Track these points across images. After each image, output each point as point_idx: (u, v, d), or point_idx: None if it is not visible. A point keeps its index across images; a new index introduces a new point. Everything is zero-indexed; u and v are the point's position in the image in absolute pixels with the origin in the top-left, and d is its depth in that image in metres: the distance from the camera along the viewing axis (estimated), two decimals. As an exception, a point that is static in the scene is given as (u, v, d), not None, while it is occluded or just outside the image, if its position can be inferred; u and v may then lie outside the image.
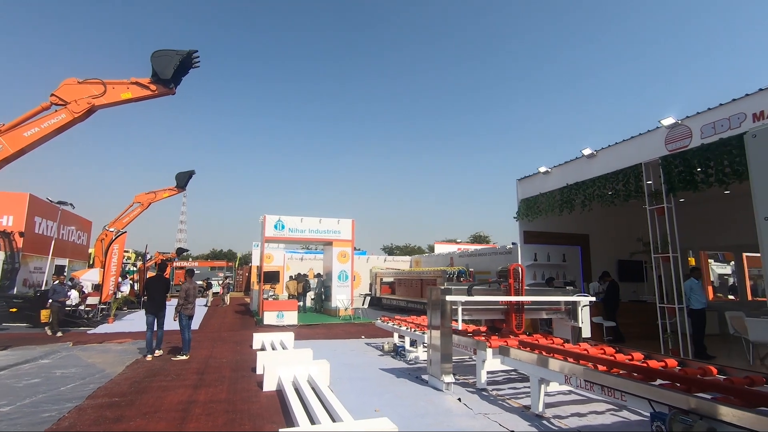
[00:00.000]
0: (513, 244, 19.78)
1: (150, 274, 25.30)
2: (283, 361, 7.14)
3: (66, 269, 21.83)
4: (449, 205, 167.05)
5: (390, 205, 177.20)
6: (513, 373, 7.34)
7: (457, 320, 6.35)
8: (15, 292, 16.69)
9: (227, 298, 26.51)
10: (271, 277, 19.93)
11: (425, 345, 8.56)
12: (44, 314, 12.92)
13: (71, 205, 20.02)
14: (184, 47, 12.68)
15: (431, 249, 63.84)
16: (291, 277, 19.91)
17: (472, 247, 24.70)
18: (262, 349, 9.55)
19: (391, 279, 24.21)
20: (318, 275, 21.15)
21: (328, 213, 19.34)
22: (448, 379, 6.22)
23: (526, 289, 6.84)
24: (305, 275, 21.04)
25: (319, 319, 16.57)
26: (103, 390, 6.12)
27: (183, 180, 22.23)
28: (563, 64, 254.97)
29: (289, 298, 17.77)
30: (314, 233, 18.47)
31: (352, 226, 18.99)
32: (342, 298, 17.63)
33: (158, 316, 8.98)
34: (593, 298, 7.05)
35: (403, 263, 28.06)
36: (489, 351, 6.19)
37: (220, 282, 33.92)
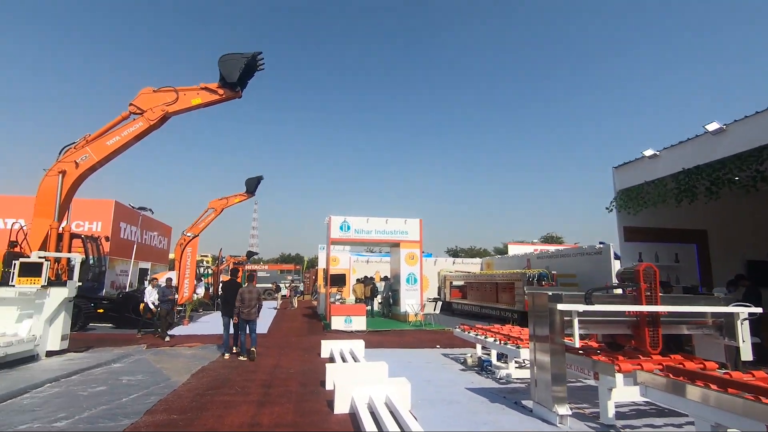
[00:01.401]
0: (601, 243, 17.50)
1: (224, 277, 26.13)
2: (355, 378, 6.20)
3: (148, 272, 23.05)
4: (513, 206, 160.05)
5: (449, 207, 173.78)
6: (644, 404, 5.77)
7: (572, 335, 4.99)
8: (104, 294, 17.68)
9: (295, 301, 26.61)
10: (338, 280, 19.40)
11: (518, 361, 7.24)
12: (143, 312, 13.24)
13: (150, 210, 21.02)
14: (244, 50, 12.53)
15: (499, 251, 60.89)
16: (358, 280, 19.25)
17: (552, 248, 22.48)
18: (331, 359, 8.76)
19: (461, 282, 22.74)
20: (385, 278, 20.29)
21: (386, 215, 18.65)
22: (563, 410, 4.88)
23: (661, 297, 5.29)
24: (372, 278, 20.29)
25: (388, 325, 15.64)
26: (163, 404, 5.56)
27: (252, 185, 22.64)
28: (639, 58, 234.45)
29: (356, 301, 17.10)
30: (380, 234, 17.63)
31: (419, 227, 17.90)
32: (411, 303, 16.56)
33: (249, 321, 9.16)
34: (759, 310, 5.30)
35: (473, 266, 26.41)
36: (619, 377, 4.75)
37: (288, 285, 34.43)
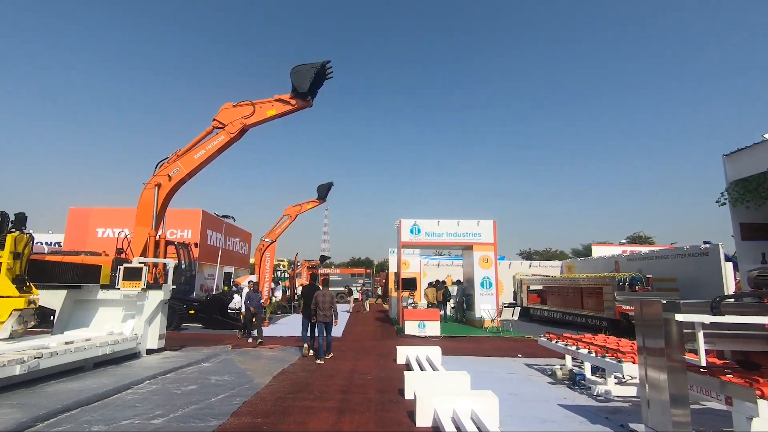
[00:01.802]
0: (707, 243, 15.43)
1: (300, 281, 27.16)
2: (436, 388, 5.87)
3: (232, 276, 24.63)
4: (592, 205, 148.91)
5: (519, 208, 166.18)
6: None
7: (694, 351, 4.23)
8: (194, 296, 19.13)
9: (367, 305, 26.84)
10: (409, 284, 19.17)
11: (618, 376, 6.43)
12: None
13: (232, 218, 22.43)
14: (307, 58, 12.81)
15: (578, 253, 56.76)
16: (429, 283, 18.86)
17: (644, 249, 20.34)
18: (408, 366, 8.50)
19: (539, 287, 21.39)
20: (458, 282, 19.68)
21: (450, 217, 17.99)
22: (686, 439, 4.13)
23: (812, 306, 4.31)
24: (443, 282, 19.78)
25: (462, 331, 15.07)
26: (247, 406, 5.66)
27: (323, 192, 23.34)
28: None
29: (428, 306, 16.71)
30: (452, 236, 17.11)
31: (493, 228, 17.09)
32: (487, 308, 15.82)
33: (326, 324, 9.43)
34: None
35: (551, 269, 24.78)
36: (763, 404, 3.92)
37: (359, 289, 34.93)
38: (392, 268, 27.34)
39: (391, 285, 26.02)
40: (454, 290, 19.35)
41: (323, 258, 36.44)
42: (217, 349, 10.54)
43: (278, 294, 24.56)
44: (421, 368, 7.46)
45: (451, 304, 19.42)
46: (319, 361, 9.16)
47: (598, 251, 24.81)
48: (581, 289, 17.18)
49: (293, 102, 13.24)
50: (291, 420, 5.17)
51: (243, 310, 12.98)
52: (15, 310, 6.77)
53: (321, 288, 10.25)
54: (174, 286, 10.79)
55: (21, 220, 7.34)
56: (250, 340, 12.17)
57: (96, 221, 22.68)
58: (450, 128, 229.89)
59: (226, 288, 19.43)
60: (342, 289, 29.53)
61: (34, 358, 6.06)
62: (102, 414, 5.11)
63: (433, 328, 13.79)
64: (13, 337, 6.81)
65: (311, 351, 9.96)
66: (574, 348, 7.46)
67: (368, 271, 48.17)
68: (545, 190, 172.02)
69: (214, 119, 14.30)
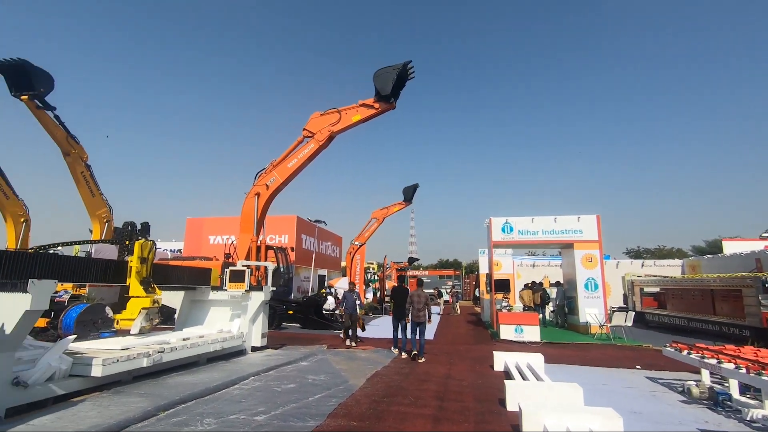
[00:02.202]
0: None
1: (389, 283, 27.44)
2: (544, 401, 5.29)
3: (325, 278, 25.72)
4: (711, 197, 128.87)
5: (621, 203, 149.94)
6: None
7: None
8: (292, 297, 20.29)
9: (458, 307, 26.16)
10: (502, 286, 18.19)
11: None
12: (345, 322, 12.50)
13: (324, 222, 23.37)
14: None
15: (701, 251, 49.29)
16: (525, 285, 17.68)
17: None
18: (507, 373, 7.90)
19: (655, 289, 18.88)
20: (557, 284, 18.18)
21: (543, 214, 16.44)
22: None
23: None
24: (540, 284, 18.41)
25: (564, 337, 13.79)
26: (343, 408, 5.63)
27: (409, 193, 23.31)
28: None
29: (524, 309, 15.64)
30: (549, 234, 15.82)
31: (597, 223, 15.44)
32: (594, 312, 14.29)
33: (419, 324, 9.67)
34: None
35: (670, 269, 21.78)
36: None
37: (449, 291, 34.27)
38: (483, 270, 26.32)
39: (482, 287, 25.03)
40: (552, 292, 17.91)
41: (411, 260, 36.46)
42: (314, 348, 10.90)
43: (369, 296, 25.05)
44: (523, 377, 6.84)
45: (549, 307, 18.00)
46: (418, 360, 9.48)
47: (730, 247, 21.16)
48: (711, 291, 14.72)
49: (377, 105, 13.36)
50: (386, 425, 5.00)
51: (342, 311, 13.07)
52: (143, 308, 7.62)
53: (407, 289, 10.24)
54: (274, 288, 11.43)
55: (145, 229, 8.29)
56: (352, 343, 11.77)
57: (209, 229, 25.30)
58: (541, 124, 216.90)
59: (323, 291, 20.27)
60: (431, 291, 29.18)
61: (158, 352, 6.74)
62: (213, 407, 5.45)
63: (532, 333, 12.80)
64: (141, 332, 7.67)
65: (403, 353, 10.12)
66: (713, 362, 6.26)
67: (457, 272, 47.17)
68: (652, 183, 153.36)
69: (304, 128, 14.99)
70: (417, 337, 9.77)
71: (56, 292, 14.65)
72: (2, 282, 4.82)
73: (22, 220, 15.76)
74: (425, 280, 39.81)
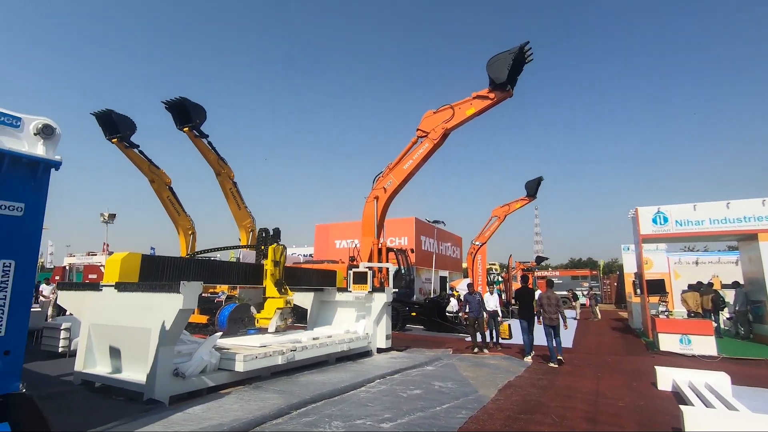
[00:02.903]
0: None
1: (515, 285, 25.74)
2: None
3: (447, 280, 25.23)
4: None
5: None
6: None
7: None
8: (415, 299, 20.27)
9: (597, 311, 23.20)
10: (656, 287, 15.40)
11: None
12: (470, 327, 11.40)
13: (443, 223, 22.93)
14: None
15: None
16: (690, 286, 14.67)
17: None
18: (677, 395, 6.42)
19: None
20: (734, 285, 14.72)
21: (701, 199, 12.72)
22: None
23: None
24: (710, 284, 15.14)
25: (752, 352, 10.95)
26: (474, 422, 5.09)
27: (532, 188, 21.54)
28: None
29: (689, 315, 12.94)
30: (719, 224, 12.85)
31: (792, 207, 12.02)
32: (795, 321, 11.10)
33: (552, 326, 9.22)
34: None
35: None
36: None
37: (585, 293, 30.73)
38: (628, 269, 22.97)
39: (628, 288, 21.79)
40: (727, 295, 14.55)
41: (540, 259, 33.77)
42: (439, 352, 10.50)
43: (495, 298, 23.73)
44: (705, 403, 5.41)
45: (725, 314, 14.69)
46: (552, 365, 9.02)
47: None
48: None
49: (492, 96, 12.57)
50: (527, 449, 4.32)
51: (465, 315, 12.28)
52: (277, 308, 8.16)
53: (534, 290, 9.40)
54: (396, 290, 11.39)
55: (277, 234, 8.91)
56: (484, 350, 10.72)
57: (335, 234, 26.94)
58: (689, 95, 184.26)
59: (456, 294, 19.89)
60: (565, 293, 26.45)
61: (291, 350, 7.08)
62: (340, 409, 5.41)
63: (705, 345, 10.44)
64: (277, 331, 8.22)
65: (552, 364, 9.25)
66: None
67: (594, 272, 42.20)
68: None
69: (417, 128, 14.86)
70: (552, 341, 9.28)
71: (215, 293, 17.00)
72: (162, 284, 5.48)
73: (190, 232, 18.65)
74: (557, 281, 36.48)
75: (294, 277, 9.45)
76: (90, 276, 18.68)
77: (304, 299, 10.78)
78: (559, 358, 9.17)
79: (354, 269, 10.47)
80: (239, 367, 6.10)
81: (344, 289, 10.54)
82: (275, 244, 8.60)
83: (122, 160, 16.59)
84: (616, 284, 36.15)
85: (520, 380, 7.58)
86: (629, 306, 20.13)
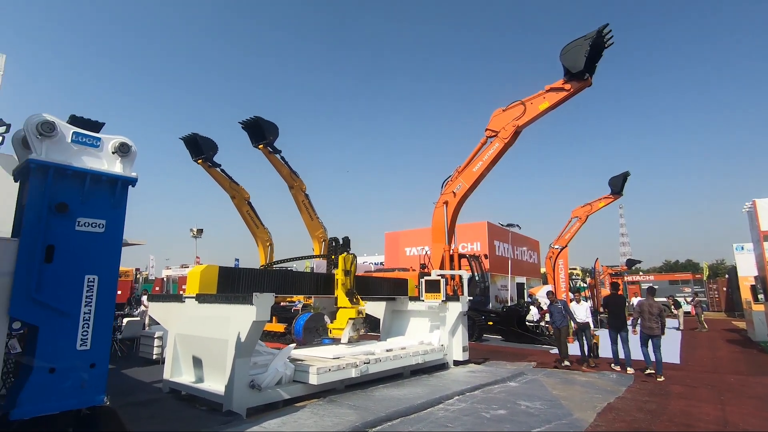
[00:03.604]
0: None
1: (603, 291, 23.56)
2: None
3: (524, 286, 23.77)
4: None
5: None
6: None
7: None
8: (491, 307, 19.27)
9: (704, 321, 20.35)
10: (784, 294, 13.04)
11: None
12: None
13: (517, 226, 21.70)
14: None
15: None
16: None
17: None
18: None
19: None
20: None
21: None
22: None
23: None
24: None
25: None
26: (573, 454, 4.42)
27: (618, 184, 19.66)
28: None
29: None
30: None
31: None
32: None
33: (652, 337, 8.57)
34: None
35: None
36: None
37: (689, 299, 27.23)
38: (743, 271, 19.95)
39: (745, 294, 18.85)
40: None
41: (631, 262, 30.62)
42: (521, 366, 9.68)
43: (584, 306, 21.83)
44: None
45: None
46: (657, 379, 8.29)
47: None
48: None
49: (568, 87, 11.67)
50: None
51: (551, 326, 10.98)
52: (349, 319, 8.01)
53: (623, 297, 8.32)
54: (470, 298, 10.78)
55: (346, 243, 8.82)
56: (565, 362, 9.75)
57: (404, 241, 26.72)
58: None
59: (537, 302, 18.71)
60: (664, 299, 23.60)
61: (364, 363, 6.85)
62: (417, 429, 5.03)
63: None
64: (350, 341, 8.06)
65: (628, 368, 8.94)
66: None
67: (697, 276, 37.40)
68: None
69: (486, 128, 14.21)
70: (652, 352, 8.56)
71: (292, 302, 17.54)
72: (236, 295, 5.54)
73: (268, 244, 19.51)
74: (652, 286, 32.89)
75: (365, 286, 9.29)
76: (183, 287, 20.33)
77: (376, 308, 10.59)
78: (660, 378, 8.31)
79: (426, 277, 10.07)
80: (313, 380, 5.98)
81: (416, 298, 10.17)
82: (345, 253, 8.50)
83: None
84: (726, 289, 31.68)
85: (623, 402, 6.62)
86: (748, 315, 17.34)
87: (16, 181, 3.54)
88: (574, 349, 10.31)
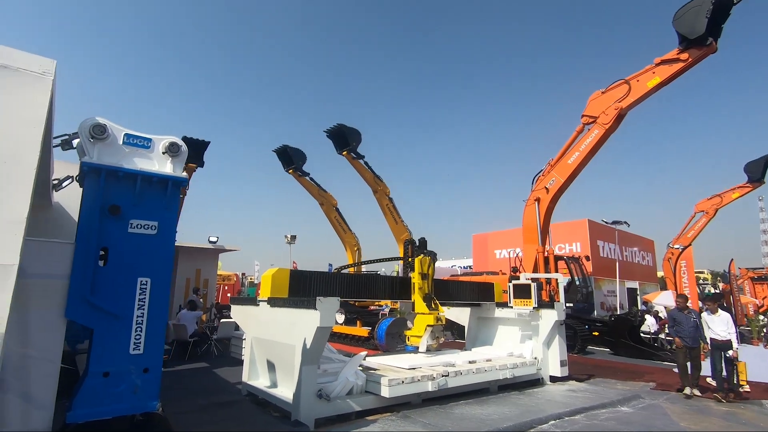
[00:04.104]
0: None
1: (743, 299, 19.67)
2: None
3: (636, 292, 20.84)
4: None
5: None
6: None
7: None
8: (595, 316, 17.14)
9: None
10: None
11: None
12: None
13: (626, 223, 19.14)
14: None
15: None
16: None
17: None
18: None
19: None
20: None
21: None
22: None
23: None
24: None
25: None
26: None
27: (758, 171, 16.31)
28: None
29: None
30: None
31: None
32: None
33: None
34: None
35: None
36: None
37: None
38: None
39: None
40: None
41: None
42: (636, 387, 8.17)
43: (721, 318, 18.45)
44: None
45: None
46: None
47: None
48: None
49: (684, 56, 10.01)
50: None
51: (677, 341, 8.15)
52: (428, 326, 7.43)
53: None
54: (570, 304, 9.52)
55: (423, 244, 8.26)
56: (694, 391, 7.69)
57: (493, 243, 25.25)
58: None
59: (655, 310, 16.34)
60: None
61: (443, 376, 6.22)
62: (502, 460, 4.28)
63: None
64: (429, 350, 7.47)
65: None
66: None
67: None
68: None
69: (583, 114, 12.86)
70: None
71: (379, 306, 17.44)
72: (301, 300, 5.33)
73: (356, 248, 19.78)
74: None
75: (446, 291, 8.63)
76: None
77: (460, 314, 9.86)
78: None
79: (514, 281, 9.08)
80: (384, 392, 5.53)
81: (504, 304, 9.22)
82: (422, 255, 7.96)
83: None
84: None
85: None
86: None
87: (81, 186, 3.72)
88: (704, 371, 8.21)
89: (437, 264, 8.42)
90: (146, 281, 3.50)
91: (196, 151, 15.14)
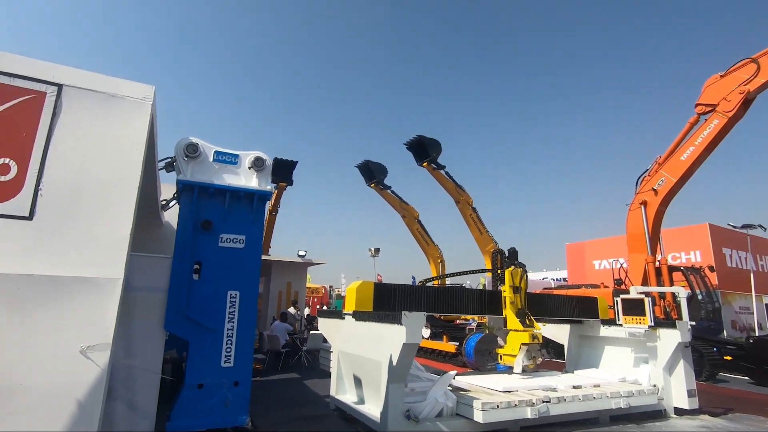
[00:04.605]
0: None
1: None
2: None
3: (781, 309, 17.38)
4: None
5: None
6: None
7: None
8: (725, 336, 14.60)
9: None
10: None
11: None
12: None
13: (761, 227, 16.17)
14: None
15: None
16: None
17: None
18: None
19: None
20: None
21: None
22: None
23: None
24: None
25: None
26: None
27: None
28: None
29: None
30: None
31: None
32: None
33: None
34: None
35: None
36: None
37: None
38: None
39: None
40: None
41: None
42: (795, 427, 6.61)
43: None
44: None
45: None
46: None
47: None
48: None
49: None
50: None
51: None
52: (522, 344, 6.79)
53: None
54: (693, 323, 8.11)
55: (513, 255, 7.65)
56: None
57: (591, 253, 23.03)
58: None
59: None
60: None
61: (543, 401, 5.56)
62: None
63: None
64: (524, 371, 6.80)
65: None
66: None
67: None
68: None
69: (697, 104, 11.38)
70: None
71: (466, 320, 16.73)
72: (386, 314, 5.13)
73: (439, 261, 19.38)
74: None
75: (541, 306, 7.88)
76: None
77: (558, 332, 8.96)
78: None
79: (623, 295, 7.99)
80: (478, 416, 5.07)
81: (611, 322, 8.15)
82: (513, 266, 7.36)
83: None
84: None
85: None
86: None
87: (178, 203, 3.98)
88: None
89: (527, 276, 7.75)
90: (235, 294, 3.60)
91: (285, 171, 16.08)
